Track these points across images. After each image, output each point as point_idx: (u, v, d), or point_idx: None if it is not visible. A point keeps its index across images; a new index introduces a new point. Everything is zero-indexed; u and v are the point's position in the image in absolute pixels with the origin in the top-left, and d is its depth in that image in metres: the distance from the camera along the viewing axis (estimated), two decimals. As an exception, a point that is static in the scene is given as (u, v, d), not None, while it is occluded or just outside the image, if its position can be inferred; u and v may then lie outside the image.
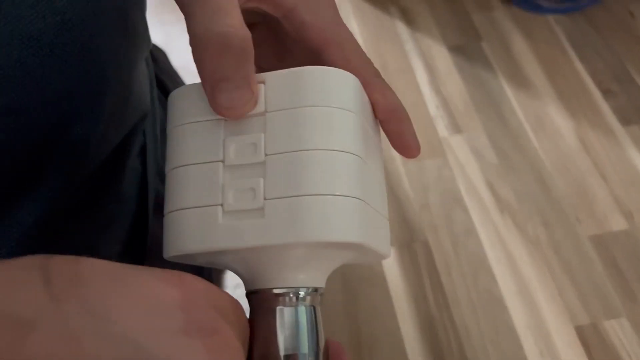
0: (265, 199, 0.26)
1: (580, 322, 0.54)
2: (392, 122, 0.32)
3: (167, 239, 0.29)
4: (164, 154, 0.51)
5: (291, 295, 0.28)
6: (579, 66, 0.75)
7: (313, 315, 0.28)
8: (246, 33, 0.29)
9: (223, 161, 0.28)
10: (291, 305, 0.27)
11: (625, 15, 0.81)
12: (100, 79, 0.36)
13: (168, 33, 0.48)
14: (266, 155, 0.27)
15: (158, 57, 0.57)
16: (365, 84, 0.31)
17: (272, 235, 0.26)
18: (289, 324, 0.28)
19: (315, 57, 0.32)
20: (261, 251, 0.27)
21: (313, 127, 0.27)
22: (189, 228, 0.28)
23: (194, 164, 0.29)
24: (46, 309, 0.22)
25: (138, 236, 0.48)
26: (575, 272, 0.57)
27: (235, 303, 0.26)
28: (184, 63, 0.71)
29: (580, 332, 0.53)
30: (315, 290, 0.28)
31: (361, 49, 0.33)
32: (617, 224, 0.60)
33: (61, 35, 0.32)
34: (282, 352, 0.26)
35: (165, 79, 0.57)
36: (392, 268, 0.61)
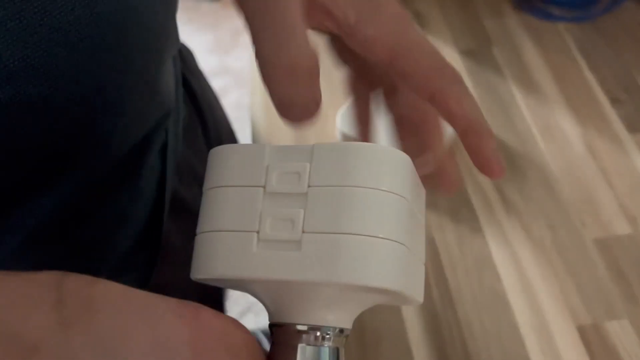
0: (303, 231, 0.25)
1: (582, 322, 0.54)
2: (468, 136, 0.29)
3: (196, 259, 0.28)
4: (183, 153, 0.52)
5: (316, 334, 0.26)
6: (587, 74, 0.76)
7: (336, 357, 0.27)
8: (313, 54, 0.29)
9: (264, 187, 0.27)
10: (314, 345, 0.26)
11: (634, 25, 0.82)
12: (128, 75, 0.36)
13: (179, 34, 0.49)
14: (309, 186, 0.26)
15: (185, 56, 0.57)
16: (439, 91, 0.29)
17: (306, 271, 0.25)
18: None
19: (385, 66, 0.31)
20: (291, 285, 0.26)
21: (359, 162, 0.25)
22: (221, 252, 0.27)
23: (234, 186, 0.27)
24: (52, 335, 0.22)
25: (152, 234, 0.49)
26: (579, 273, 0.58)
27: (250, 341, 0.25)
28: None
29: (582, 331, 0.53)
30: (341, 331, 0.27)
31: (436, 52, 0.31)
32: (621, 228, 0.60)
33: (89, 28, 0.32)
34: None
35: (190, 77, 0.57)
36: (398, 265, 0.62)
